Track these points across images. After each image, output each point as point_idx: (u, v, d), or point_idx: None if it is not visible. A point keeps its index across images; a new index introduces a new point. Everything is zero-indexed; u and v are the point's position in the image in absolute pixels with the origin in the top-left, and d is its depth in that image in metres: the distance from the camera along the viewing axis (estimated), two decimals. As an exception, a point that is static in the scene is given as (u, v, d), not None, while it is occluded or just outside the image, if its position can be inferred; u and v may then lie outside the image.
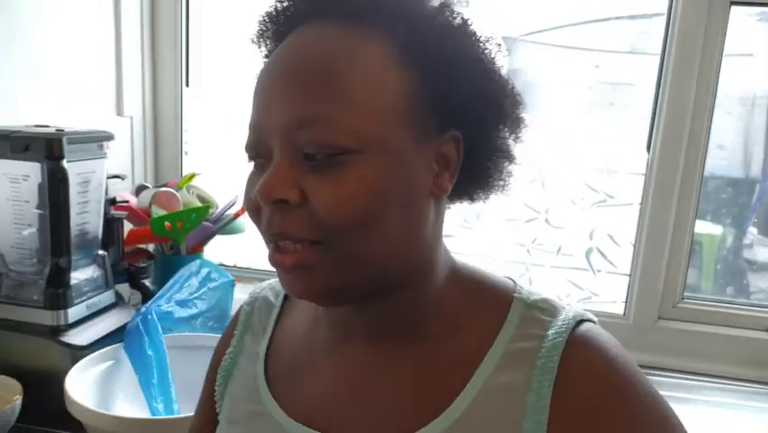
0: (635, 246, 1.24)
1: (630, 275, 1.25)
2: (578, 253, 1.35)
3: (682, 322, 1.22)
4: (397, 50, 0.43)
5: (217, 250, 1.34)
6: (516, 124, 0.48)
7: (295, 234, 0.43)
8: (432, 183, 0.45)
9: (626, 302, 1.26)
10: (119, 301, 1.03)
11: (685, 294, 1.24)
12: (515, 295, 0.48)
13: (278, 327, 0.56)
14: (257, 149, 0.45)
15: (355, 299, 0.47)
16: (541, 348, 0.44)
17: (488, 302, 0.48)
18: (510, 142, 0.49)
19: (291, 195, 0.42)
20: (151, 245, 1.24)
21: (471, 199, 0.51)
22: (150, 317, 0.93)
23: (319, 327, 0.53)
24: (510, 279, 0.51)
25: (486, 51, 0.46)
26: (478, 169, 0.48)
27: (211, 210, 1.24)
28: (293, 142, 0.42)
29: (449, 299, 0.49)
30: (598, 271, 1.35)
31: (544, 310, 0.47)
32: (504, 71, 0.47)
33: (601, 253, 1.34)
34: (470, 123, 0.46)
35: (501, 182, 0.50)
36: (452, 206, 0.52)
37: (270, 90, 0.44)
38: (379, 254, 0.44)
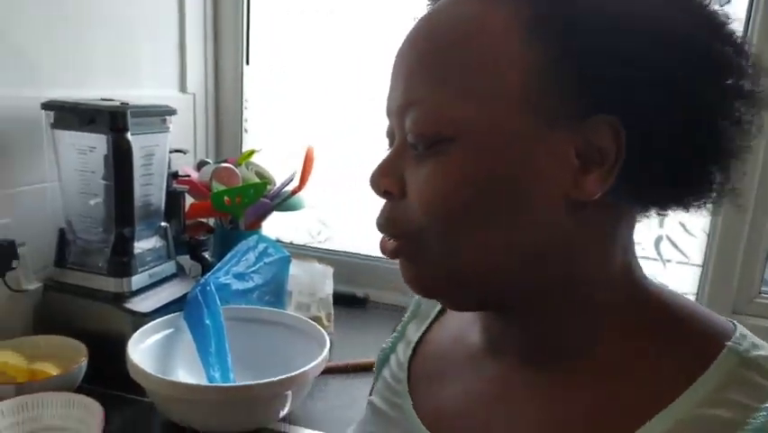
0: (708, 235, 1.17)
1: (703, 266, 1.18)
2: (646, 242, 1.28)
3: (760, 318, 1.14)
4: (531, 15, 0.35)
5: (274, 226, 1.35)
6: (735, 101, 0.36)
7: (391, 230, 0.41)
8: (569, 183, 0.36)
9: (698, 295, 1.19)
10: (180, 272, 1.06)
11: (763, 288, 1.15)
12: (728, 344, 0.36)
13: (436, 322, 0.53)
14: (390, 134, 0.42)
15: (473, 304, 0.41)
16: (746, 424, 0.33)
17: (683, 344, 0.38)
18: (725, 128, 0.36)
19: (392, 187, 0.40)
20: (211, 219, 1.27)
21: (661, 207, 0.39)
22: (208, 288, 0.95)
23: (474, 331, 0.47)
24: (732, 322, 0.39)
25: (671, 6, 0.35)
26: (660, 166, 0.36)
27: (269, 187, 1.25)
28: (403, 130, 0.39)
29: (623, 329, 0.39)
30: (668, 261, 1.28)
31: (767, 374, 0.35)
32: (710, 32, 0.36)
33: (672, 243, 1.27)
34: (639, 105, 0.34)
35: (703, 187, 0.38)
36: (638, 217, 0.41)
37: (393, 70, 0.41)
38: (482, 260, 0.38)
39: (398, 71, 0.40)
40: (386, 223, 0.41)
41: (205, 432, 0.81)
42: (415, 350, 0.51)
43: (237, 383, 0.79)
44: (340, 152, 1.37)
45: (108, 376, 0.89)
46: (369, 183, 0.41)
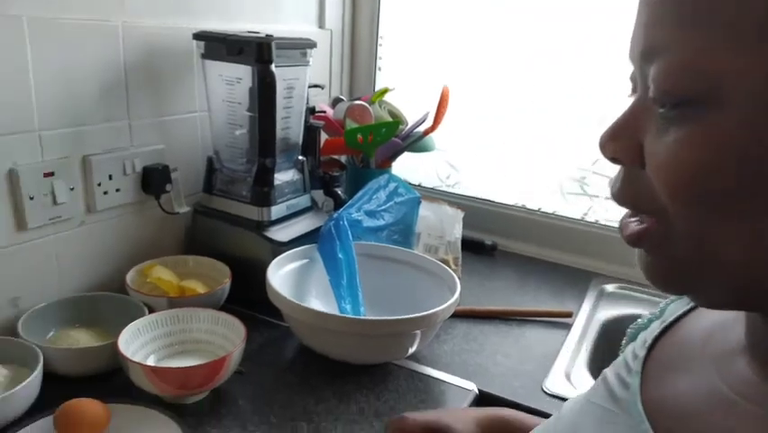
0: None
1: None
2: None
3: None
4: None
5: (404, 167, 1.34)
6: None
7: (627, 202, 0.34)
8: None
9: None
10: (314, 206, 1.08)
11: None
12: None
13: (695, 309, 0.45)
14: (632, 82, 0.35)
15: (732, 303, 0.33)
16: None
17: None
18: None
19: (623, 154, 0.33)
20: (344, 156, 1.28)
21: None
22: (341, 222, 0.96)
23: (733, 329, 0.39)
24: None
25: None
26: None
27: (401, 126, 1.23)
28: (645, 82, 0.32)
29: None
30: None
31: None
32: None
33: None
34: None
35: None
36: None
37: (637, 8, 0.33)
38: (747, 254, 0.29)
39: (640, 11, 0.32)
40: (622, 195, 0.34)
41: (337, 360, 0.84)
42: (664, 332, 0.45)
43: (369, 317, 0.80)
44: (475, 95, 1.31)
45: (249, 299, 0.94)
46: (598, 145, 0.34)
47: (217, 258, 0.97)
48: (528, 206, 1.32)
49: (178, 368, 0.68)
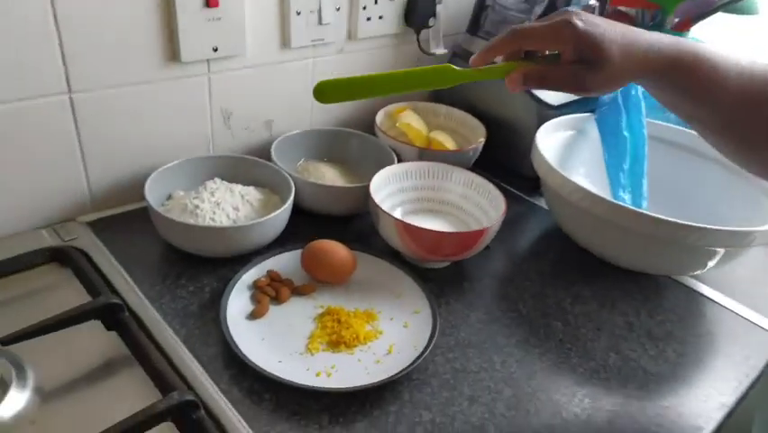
0: None
1: None
2: None
3: None
4: None
5: (712, 34, 1.04)
6: None
7: None
8: None
9: None
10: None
11: None
12: None
13: None
14: None
15: None
16: None
17: None
18: None
19: None
20: (633, 9, 1.02)
21: None
22: (633, 92, 0.76)
23: None
24: None
25: None
26: None
27: (722, -24, 0.93)
28: None
29: None
30: None
31: None
32: None
33: None
34: None
35: None
36: None
37: None
38: None
39: None
40: None
41: (603, 258, 0.70)
42: None
43: (669, 218, 0.62)
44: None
45: (498, 164, 0.82)
46: None
47: (470, 113, 0.85)
48: None
49: (434, 231, 0.60)
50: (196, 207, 0.62)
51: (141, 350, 0.49)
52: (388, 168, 0.70)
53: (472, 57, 0.47)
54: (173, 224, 0.60)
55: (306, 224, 0.70)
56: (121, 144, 0.66)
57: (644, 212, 0.61)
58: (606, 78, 0.44)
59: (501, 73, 0.47)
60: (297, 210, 0.67)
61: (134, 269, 0.60)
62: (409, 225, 0.60)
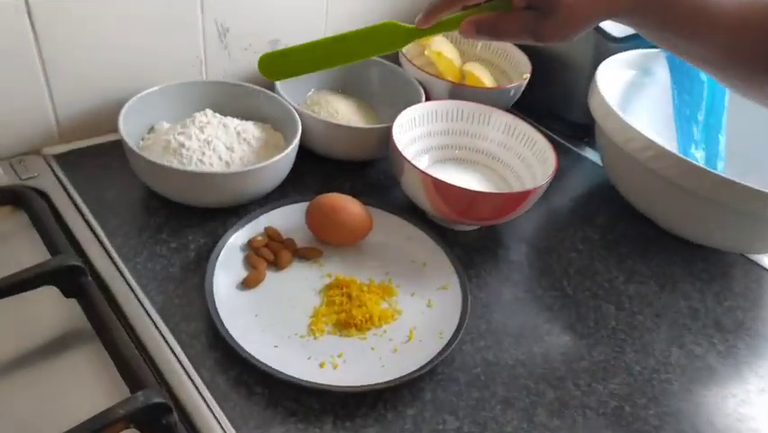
0: None
1: None
2: None
3: None
4: None
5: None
6: None
7: None
8: None
9: None
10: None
11: None
12: None
13: None
14: None
15: None
16: None
17: None
18: None
19: None
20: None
21: None
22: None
23: None
24: None
25: None
26: None
27: None
28: None
29: None
30: None
31: None
32: None
33: None
34: None
35: None
36: None
37: None
38: None
39: None
40: None
41: (667, 229, 0.59)
42: None
43: (722, 174, 0.51)
44: None
45: (542, 106, 0.70)
46: None
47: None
48: None
49: (471, 190, 0.49)
50: (182, 144, 0.51)
51: (105, 327, 0.39)
52: (413, 107, 0.58)
53: (417, 18, 0.43)
54: (152, 165, 0.49)
55: (314, 170, 0.59)
56: (92, 62, 0.54)
57: (719, 174, 0.50)
58: (561, 24, 0.40)
59: (455, 25, 0.43)
60: (304, 152, 0.56)
61: (106, 217, 0.50)
62: (440, 181, 0.49)
